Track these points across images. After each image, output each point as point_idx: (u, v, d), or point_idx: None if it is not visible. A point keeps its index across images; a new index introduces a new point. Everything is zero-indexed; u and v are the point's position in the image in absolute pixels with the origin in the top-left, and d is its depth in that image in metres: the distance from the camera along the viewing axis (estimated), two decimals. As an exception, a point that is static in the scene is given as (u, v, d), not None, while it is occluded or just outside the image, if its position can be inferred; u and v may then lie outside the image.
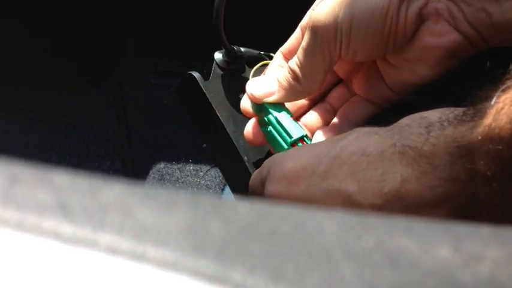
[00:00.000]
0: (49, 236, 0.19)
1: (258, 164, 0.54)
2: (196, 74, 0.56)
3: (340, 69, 0.54)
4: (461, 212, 0.37)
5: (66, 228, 0.20)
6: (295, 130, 0.51)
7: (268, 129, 0.52)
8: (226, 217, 0.21)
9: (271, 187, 0.46)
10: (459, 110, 0.38)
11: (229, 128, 0.55)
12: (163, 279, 0.19)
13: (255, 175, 0.50)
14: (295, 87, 0.50)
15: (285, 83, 0.51)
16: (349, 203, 0.41)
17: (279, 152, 0.51)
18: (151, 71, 1.00)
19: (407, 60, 0.47)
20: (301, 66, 0.49)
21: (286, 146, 0.51)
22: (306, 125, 0.54)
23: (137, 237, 0.20)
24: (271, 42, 0.57)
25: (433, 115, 0.39)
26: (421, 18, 0.45)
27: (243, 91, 0.54)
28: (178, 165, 0.90)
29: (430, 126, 0.38)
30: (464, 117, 0.37)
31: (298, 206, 0.23)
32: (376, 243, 0.21)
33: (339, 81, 0.55)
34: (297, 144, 0.51)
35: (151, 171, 0.90)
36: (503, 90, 0.35)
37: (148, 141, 0.93)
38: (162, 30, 1.03)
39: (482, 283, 0.20)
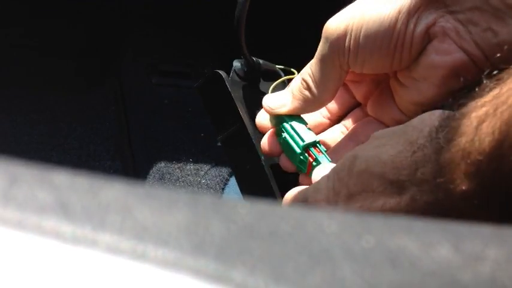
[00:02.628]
0: (49, 236, 0.19)
1: (273, 166, 0.56)
2: (223, 73, 0.56)
3: (358, 92, 0.55)
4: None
5: (66, 228, 0.20)
6: (308, 135, 0.52)
7: (283, 136, 0.53)
8: (226, 217, 0.21)
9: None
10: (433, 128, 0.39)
11: (250, 129, 0.56)
12: (164, 278, 0.19)
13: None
14: (307, 97, 0.51)
15: (297, 94, 0.52)
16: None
17: (292, 160, 0.53)
18: (152, 71, 1.00)
19: (414, 78, 0.48)
20: (313, 75, 0.50)
21: (299, 150, 0.52)
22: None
23: (137, 236, 0.20)
24: (296, 59, 0.57)
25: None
26: (428, 37, 0.46)
27: (257, 104, 0.55)
28: (179, 164, 0.90)
29: (415, 153, 0.40)
30: (438, 135, 0.38)
31: (298, 206, 0.23)
32: (376, 243, 0.21)
33: (357, 105, 0.56)
34: (309, 149, 0.52)
35: (151, 171, 0.90)
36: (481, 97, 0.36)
37: (148, 140, 0.93)
38: (162, 29, 1.03)
39: (483, 283, 0.20)
